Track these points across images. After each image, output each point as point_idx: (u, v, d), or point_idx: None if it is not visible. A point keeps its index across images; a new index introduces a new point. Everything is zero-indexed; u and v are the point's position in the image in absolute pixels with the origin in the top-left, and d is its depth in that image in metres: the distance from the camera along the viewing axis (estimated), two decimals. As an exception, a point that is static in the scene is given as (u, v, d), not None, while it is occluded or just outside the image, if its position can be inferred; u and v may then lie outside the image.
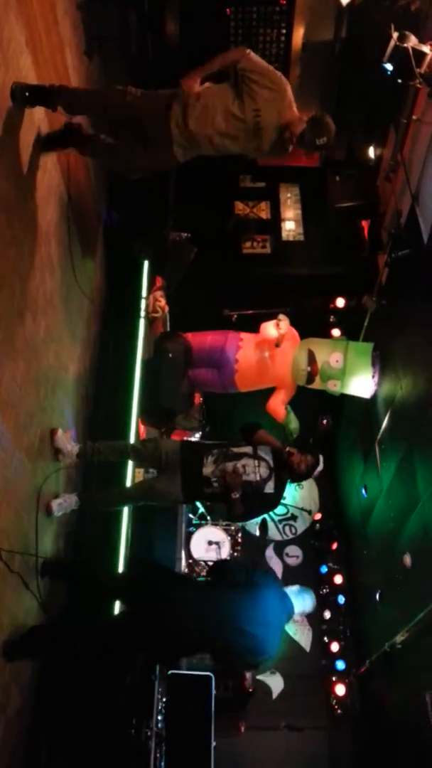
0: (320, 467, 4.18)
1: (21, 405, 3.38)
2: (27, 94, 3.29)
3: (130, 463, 4.77)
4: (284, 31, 6.60)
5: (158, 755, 3.70)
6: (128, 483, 4.74)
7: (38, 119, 3.67)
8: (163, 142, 3.49)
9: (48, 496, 3.84)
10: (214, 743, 4.27)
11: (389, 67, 4.60)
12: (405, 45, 4.31)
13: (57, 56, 4.11)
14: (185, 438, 6.06)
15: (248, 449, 4.04)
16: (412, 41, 4.12)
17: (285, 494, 4.35)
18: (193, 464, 4.00)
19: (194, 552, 6.64)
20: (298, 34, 6.61)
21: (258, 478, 3.93)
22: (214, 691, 4.44)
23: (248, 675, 5.79)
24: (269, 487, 3.99)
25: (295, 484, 6.91)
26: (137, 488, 4.39)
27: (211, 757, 4.19)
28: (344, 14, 6.06)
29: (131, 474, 4.85)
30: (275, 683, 6.71)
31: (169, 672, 4.18)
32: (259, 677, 6.61)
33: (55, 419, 4.04)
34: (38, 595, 3.59)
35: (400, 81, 4.72)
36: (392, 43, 4.50)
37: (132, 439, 5.04)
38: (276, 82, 3.43)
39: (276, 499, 4.12)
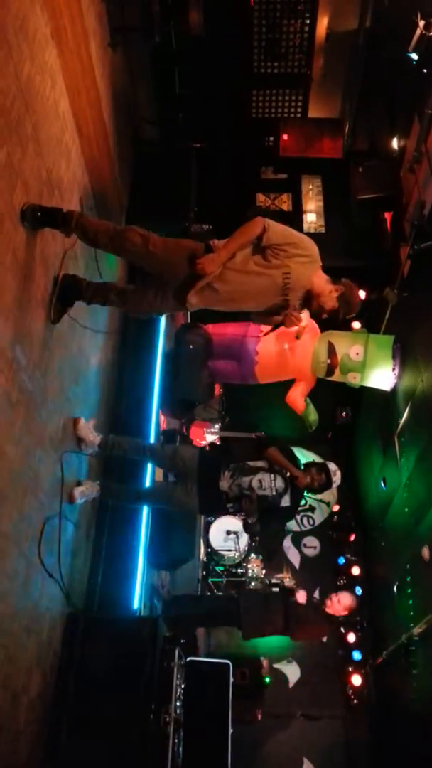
0: (337, 481, 4.27)
1: (44, 395, 3.43)
2: (39, 214, 3.14)
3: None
4: (308, 21, 6.57)
5: (176, 741, 3.75)
6: (148, 482, 4.81)
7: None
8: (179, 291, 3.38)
9: (71, 485, 3.90)
10: (231, 730, 4.32)
11: (414, 56, 4.57)
12: (431, 34, 4.27)
13: (82, 48, 4.14)
14: (204, 442, 6.11)
15: (263, 463, 4.14)
16: (439, 30, 4.07)
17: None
18: (210, 477, 4.10)
19: (213, 542, 6.70)
20: (322, 24, 6.57)
21: (274, 493, 4.03)
22: (231, 679, 4.49)
23: (265, 663, 5.84)
24: (286, 501, 4.09)
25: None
26: (156, 492, 4.49)
27: (229, 743, 4.25)
28: (369, 3, 6.00)
29: (151, 473, 4.90)
30: (292, 672, 6.77)
31: (188, 659, 4.23)
32: (276, 666, 6.68)
33: (77, 409, 4.10)
34: (62, 584, 3.66)
35: (425, 71, 4.68)
36: (418, 31, 4.47)
37: (153, 436, 5.09)
38: (307, 248, 3.37)
39: (293, 511, 4.23)
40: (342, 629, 6.92)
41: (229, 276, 3.29)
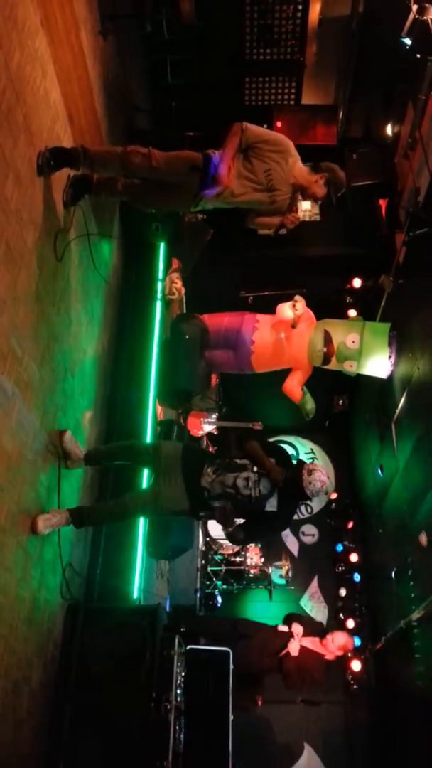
0: (322, 484, 3.73)
1: (41, 386, 3.43)
2: (52, 163, 3.46)
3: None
4: (300, 6, 6.51)
5: (177, 728, 3.78)
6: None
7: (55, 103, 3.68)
8: (181, 194, 3.84)
9: (67, 475, 3.91)
10: (232, 716, 4.36)
11: (408, 41, 4.53)
12: (425, 18, 4.23)
13: (72, 36, 4.10)
14: (201, 432, 6.08)
15: (249, 462, 3.74)
16: (432, 14, 4.04)
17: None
18: (193, 472, 3.73)
19: (212, 531, 6.73)
20: (315, 10, 6.51)
21: (257, 494, 3.61)
22: (232, 666, 4.52)
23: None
24: (271, 505, 3.66)
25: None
26: (139, 497, 3.96)
27: (230, 729, 4.29)
28: (361, -13, 5.96)
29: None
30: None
31: (188, 647, 4.26)
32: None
33: (74, 401, 4.10)
34: (64, 575, 3.68)
35: (419, 55, 4.65)
36: (411, 16, 4.43)
37: (149, 426, 5.06)
38: (280, 143, 3.87)
39: (281, 519, 3.84)
40: (341, 615, 6.98)
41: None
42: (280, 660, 5.36)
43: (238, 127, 3.78)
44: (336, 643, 5.41)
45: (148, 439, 5.08)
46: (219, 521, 3.69)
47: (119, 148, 3.78)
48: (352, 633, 6.60)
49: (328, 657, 5.47)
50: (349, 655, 6.09)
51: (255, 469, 3.71)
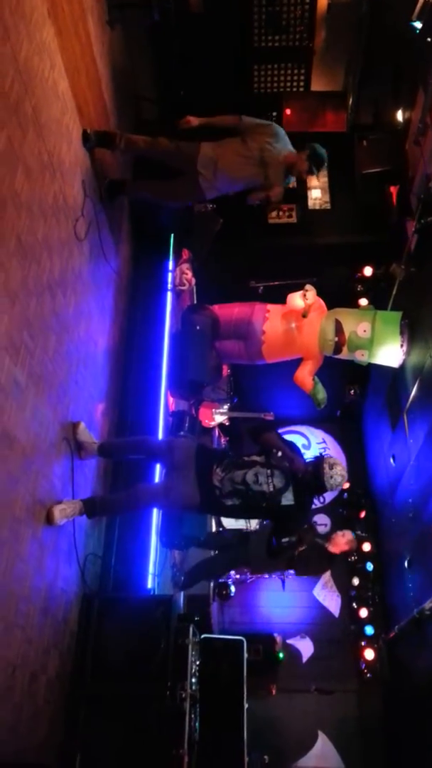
0: (342, 478, 3.74)
1: (53, 378, 3.44)
2: (93, 138, 4.22)
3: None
4: (309, -9, 6.43)
5: (192, 716, 3.82)
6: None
7: (67, 101, 3.67)
8: (191, 176, 4.56)
9: (81, 466, 3.93)
10: (246, 705, 4.39)
11: (418, 25, 4.49)
12: (435, 2, 4.18)
13: (79, 25, 4.08)
14: (213, 423, 6.09)
15: (260, 458, 3.75)
16: (443, -3, 3.99)
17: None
18: (204, 470, 3.73)
19: (224, 520, 6.74)
20: (324, -6, 6.44)
21: (272, 489, 3.61)
22: (245, 655, 4.55)
23: (279, 639, 5.92)
24: (287, 499, 3.65)
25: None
26: (149, 489, 4.07)
27: (244, 718, 4.32)
28: (371, -29, 5.88)
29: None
30: (305, 647, 6.85)
31: (202, 636, 4.29)
32: (289, 641, 6.76)
33: (86, 392, 4.11)
34: (80, 565, 3.71)
35: (429, 39, 4.60)
36: None
37: (161, 418, 5.07)
38: (270, 129, 4.61)
39: (299, 511, 3.78)
40: (354, 605, 6.99)
41: (227, 156, 4.54)
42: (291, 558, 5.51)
43: (235, 117, 4.57)
44: (346, 538, 5.57)
45: (160, 430, 5.10)
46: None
47: (148, 138, 4.58)
48: (365, 622, 6.64)
49: (333, 550, 5.58)
50: (363, 643, 6.10)
51: (267, 462, 3.69)
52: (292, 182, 4.94)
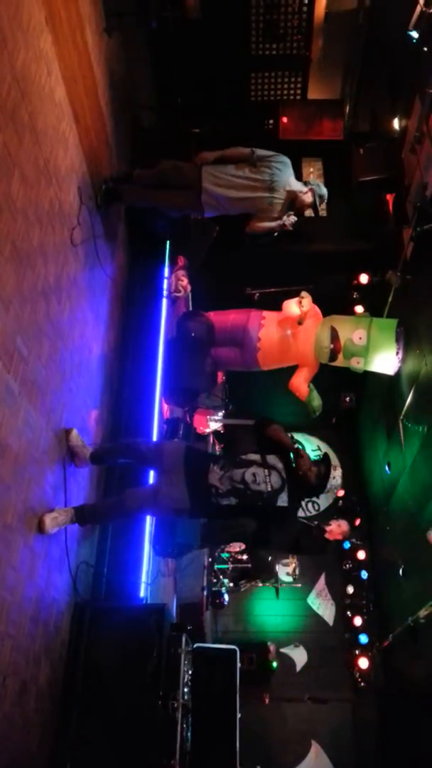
0: (337, 479, 3.86)
1: (47, 385, 3.43)
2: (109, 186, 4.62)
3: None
4: (306, 1, 6.45)
5: (185, 726, 3.79)
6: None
7: (59, 98, 3.67)
8: (193, 191, 4.68)
9: (74, 474, 3.91)
10: (239, 714, 4.36)
11: (415, 34, 4.50)
12: (431, 11, 4.20)
13: (77, 34, 4.09)
14: (207, 430, 6.06)
15: (257, 457, 3.71)
16: (440, 7, 4.00)
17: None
18: (197, 471, 3.66)
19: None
20: (321, 4, 6.46)
21: (269, 489, 3.57)
22: (238, 664, 4.52)
23: (272, 648, 5.88)
24: (282, 500, 3.60)
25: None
26: (137, 495, 3.89)
27: (237, 727, 4.29)
28: (368, -19, 5.91)
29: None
30: (299, 656, 6.82)
31: (195, 645, 4.26)
32: (282, 650, 6.73)
33: (80, 399, 4.09)
34: (72, 573, 3.68)
35: (426, 49, 4.61)
36: (418, 9, 4.39)
37: (155, 424, 5.05)
38: (281, 158, 4.79)
39: (292, 514, 3.74)
40: (349, 613, 6.97)
41: (235, 181, 4.69)
42: None
43: (250, 150, 4.72)
44: (342, 528, 5.53)
45: (154, 437, 5.08)
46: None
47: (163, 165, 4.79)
48: (359, 631, 6.62)
49: (328, 536, 5.56)
50: (357, 652, 6.06)
51: (264, 462, 3.67)
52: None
